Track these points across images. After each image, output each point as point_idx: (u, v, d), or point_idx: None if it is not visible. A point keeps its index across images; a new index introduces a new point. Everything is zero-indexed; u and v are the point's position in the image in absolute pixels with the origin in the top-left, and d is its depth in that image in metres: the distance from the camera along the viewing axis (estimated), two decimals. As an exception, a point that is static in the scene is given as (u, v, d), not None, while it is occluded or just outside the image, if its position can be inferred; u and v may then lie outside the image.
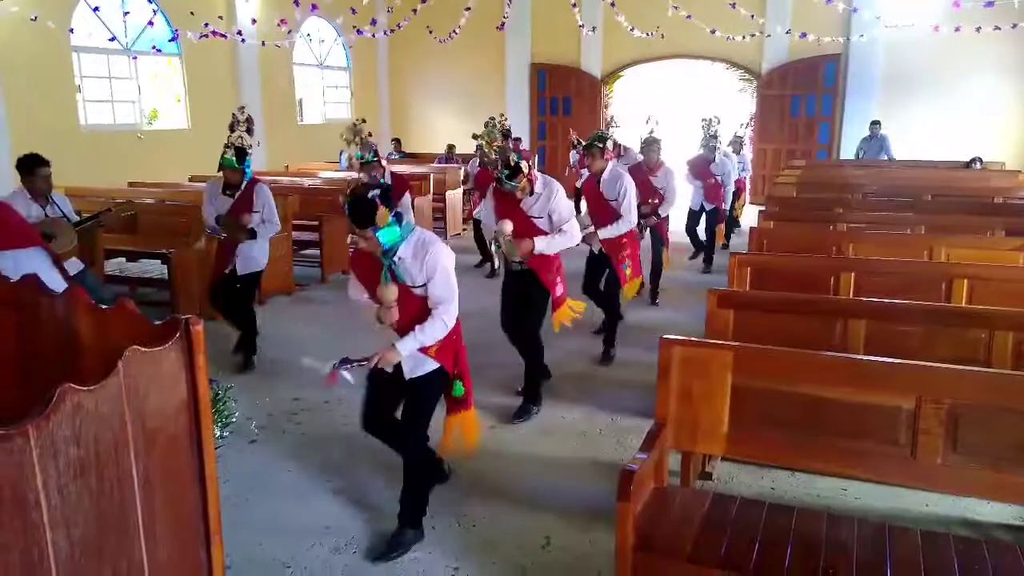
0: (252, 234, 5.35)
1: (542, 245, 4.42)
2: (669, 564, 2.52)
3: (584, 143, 5.64)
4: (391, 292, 3.13)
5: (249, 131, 5.28)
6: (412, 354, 3.22)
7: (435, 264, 3.12)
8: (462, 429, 3.60)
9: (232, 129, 5.26)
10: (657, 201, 6.85)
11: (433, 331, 3.17)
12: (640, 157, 7.46)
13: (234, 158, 5.21)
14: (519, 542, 3.36)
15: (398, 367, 3.27)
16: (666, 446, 2.98)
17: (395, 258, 3.11)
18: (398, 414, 3.41)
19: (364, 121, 6.05)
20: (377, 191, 3.00)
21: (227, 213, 5.31)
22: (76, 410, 1.52)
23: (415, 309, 3.19)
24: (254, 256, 5.49)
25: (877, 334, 3.77)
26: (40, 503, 1.46)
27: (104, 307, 2.03)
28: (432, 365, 3.29)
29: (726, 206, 9.30)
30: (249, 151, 5.33)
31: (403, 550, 3.28)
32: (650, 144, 7.11)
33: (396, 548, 3.28)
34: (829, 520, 2.68)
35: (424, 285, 3.17)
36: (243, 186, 5.34)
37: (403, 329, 3.19)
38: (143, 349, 1.69)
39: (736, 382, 2.90)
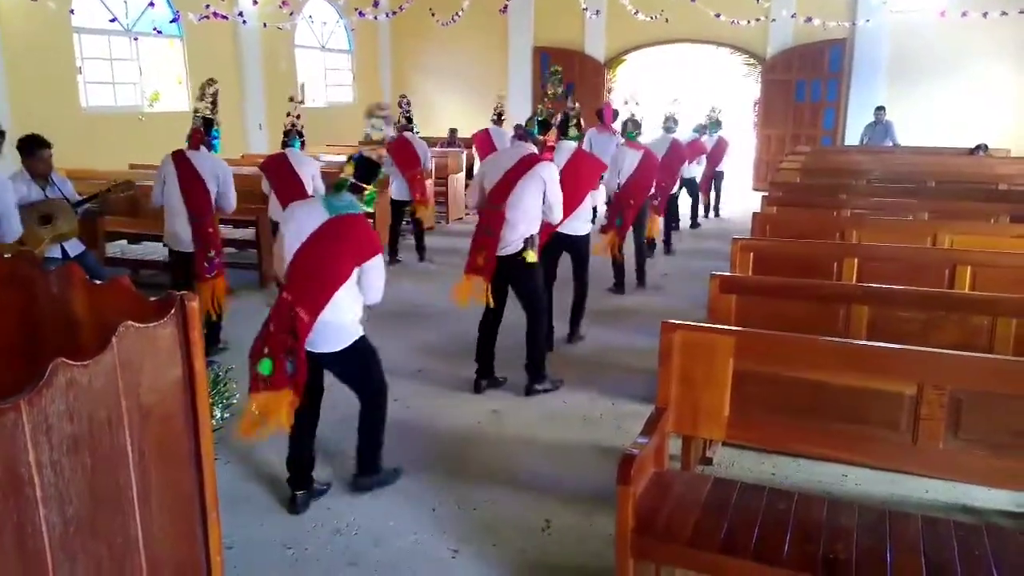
0: None
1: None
2: (669, 548, 2.51)
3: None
4: None
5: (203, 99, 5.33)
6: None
7: None
8: (268, 408, 3.20)
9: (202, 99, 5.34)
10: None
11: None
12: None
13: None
14: (519, 525, 3.36)
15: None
16: (667, 430, 2.96)
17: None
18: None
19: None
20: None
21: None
22: (69, 385, 1.50)
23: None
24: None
25: (880, 320, 3.77)
26: (33, 479, 1.45)
27: (99, 283, 2.01)
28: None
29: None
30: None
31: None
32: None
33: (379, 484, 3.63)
34: (830, 505, 2.66)
35: None
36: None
37: None
38: (137, 325, 1.68)
39: (738, 367, 2.88)
